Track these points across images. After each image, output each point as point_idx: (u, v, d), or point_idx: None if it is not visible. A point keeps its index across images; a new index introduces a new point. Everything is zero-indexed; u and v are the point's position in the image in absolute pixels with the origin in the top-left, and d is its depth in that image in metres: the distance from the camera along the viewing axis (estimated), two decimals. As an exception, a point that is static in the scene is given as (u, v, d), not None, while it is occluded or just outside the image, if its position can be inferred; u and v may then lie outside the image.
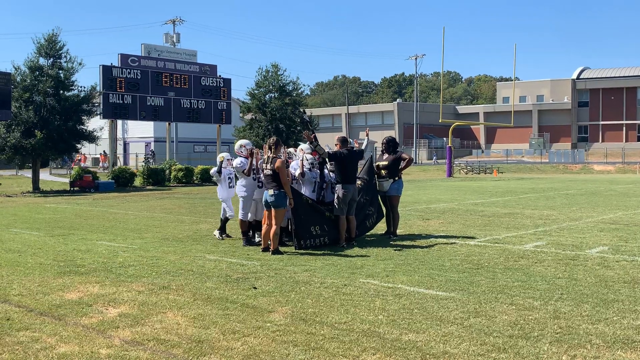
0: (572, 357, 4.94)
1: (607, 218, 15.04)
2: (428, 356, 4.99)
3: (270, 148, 10.10)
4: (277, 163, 9.86)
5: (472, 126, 79.76)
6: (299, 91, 48.90)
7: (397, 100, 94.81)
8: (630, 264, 9.02)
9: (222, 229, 11.90)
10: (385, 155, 11.94)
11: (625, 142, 71.24)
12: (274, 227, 9.92)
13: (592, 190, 26.93)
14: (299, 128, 46.18)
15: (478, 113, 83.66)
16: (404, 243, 11.02)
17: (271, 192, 9.90)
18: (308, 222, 10.42)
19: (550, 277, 8.09)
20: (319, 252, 10.08)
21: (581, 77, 77.20)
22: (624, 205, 18.99)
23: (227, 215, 11.86)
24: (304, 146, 11.29)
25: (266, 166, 10.05)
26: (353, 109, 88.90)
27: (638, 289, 7.37)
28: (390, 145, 11.96)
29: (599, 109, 75.23)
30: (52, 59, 30.06)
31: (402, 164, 11.85)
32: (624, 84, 73.47)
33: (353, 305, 6.61)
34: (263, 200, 10.24)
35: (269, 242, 10.06)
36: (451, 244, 10.98)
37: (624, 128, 73.80)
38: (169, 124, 38.69)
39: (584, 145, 73.09)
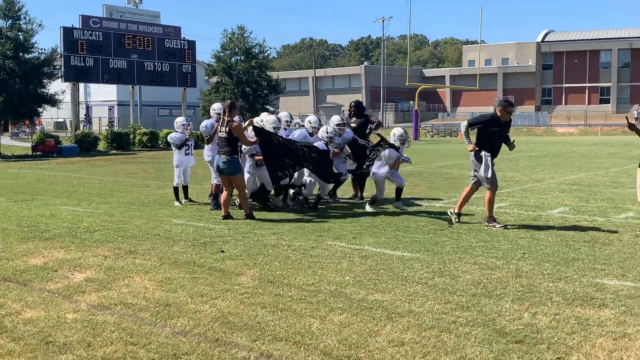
0: (533, 315, 5.09)
1: (568, 179, 15.35)
2: (394, 315, 5.09)
3: (224, 111, 9.78)
4: (235, 126, 9.58)
5: (438, 89, 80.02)
6: (265, 54, 48.39)
7: (364, 63, 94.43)
8: (590, 223, 9.25)
9: (177, 197, 11.71)
10: (354, 119, 11.93)
11: (588, 104, 72.35)
12: (225, 193, 9.78)
13: (555, 152, 27.39)
14: (265, 91, 45.83)
15: (444, 76, 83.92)
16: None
17: (224, 158, 9.61)
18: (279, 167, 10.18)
19: (512, 237, 8.26)
20: (287, 217, 10.11)
21: (546, 40, 77.76)
22: (585, 166, 19.39)
23: (174, 183, 11.72)
24: (311, 118, 11.28)
25: (221, 129, 9.76)
26: (320, 72, 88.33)
27: (597, 247, 7.58)
28: (358, 109, 11.95)
29: (562, 72, 76.04)
30: (10, 21, 29.18)
31: (372, 126, 11.88)
32: (588, 46, 74.26)
33: (320, 267, 6.67)
34: (215, 165, 9.98)
35: (230, 210, 9.95)
36: (417, 206, 11.11)
37: (587, 91, 74.85)
38: (133, 87, 38.00)
39: (548, 108, 74.01)
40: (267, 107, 45.18)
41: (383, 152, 10.48)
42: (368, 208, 10.54)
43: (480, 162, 8.88)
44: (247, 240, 8.18)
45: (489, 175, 8.87)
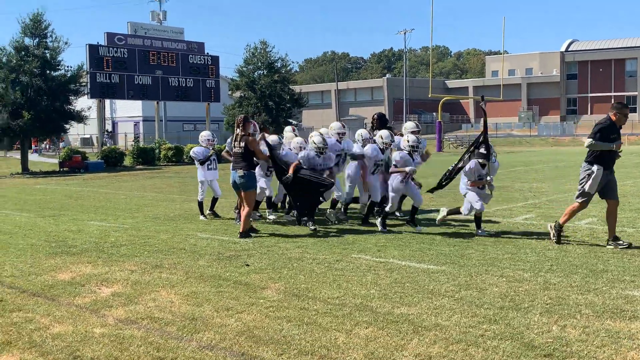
0: (562, 328, 5.01)
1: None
2: (420, 329, 5.04)
3: (238, 125, 9.64)
4: (251, 140, 9.50)
5: (461, 100, 79.67)
6: (288, 68, 48.66)
7: (387, 75, 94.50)
8: (619, 234, 9.10)
9: (201, 211, 11.75)
10: (376, 132, 11.90)
11: (614, 114, 71.42)
12: (246, 209, 9.52)
13: (581, 162, 27.05)
14: (288, 105, 46.02)
15: (467, 87, 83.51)
16: (396, 219, 11.05)
17: (240, 172, 9.50)
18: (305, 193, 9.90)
19: (539, 249, 8.16)
20: (310, 231, 10.11)
21: (570, 49, 77.10)
22: (613, 176, 19.09)
23: (198, 198, 11.79)
24: (383, 133, 10.67)
25: (235, 144, 9.64)
26: (342, 85, 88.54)
27: (626, 259, 7.45)
28: (381, 122, 11.93)
29: (587, 82, 75.25)
30: (37, 39, 29.73)
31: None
32: (613, 55, 73.45)
33: (345, 280, 6.65)
34: (231, 181, 9.82)
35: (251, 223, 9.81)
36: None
37: (612, 100, 73.84)
38: (158, 102, 38.43)
39: (573, 118, 73.25)
40: (290, 120, 45.39)
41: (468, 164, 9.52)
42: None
43: (590, 176, 8.30)
44: (272, 253, 8.19)
45: (587, 189, 8.33)
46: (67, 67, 30.70)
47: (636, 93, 72.08)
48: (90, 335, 5.05)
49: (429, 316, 5.37)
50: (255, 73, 46.52)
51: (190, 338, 4.95)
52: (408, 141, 9.92)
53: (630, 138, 50.99)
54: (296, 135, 11.58)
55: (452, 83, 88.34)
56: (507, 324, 5.12)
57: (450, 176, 9.80)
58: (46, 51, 29.54)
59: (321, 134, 10.26)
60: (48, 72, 29.35)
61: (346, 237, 9.24)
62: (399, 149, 10.17)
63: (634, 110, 71.56)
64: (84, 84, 32.13)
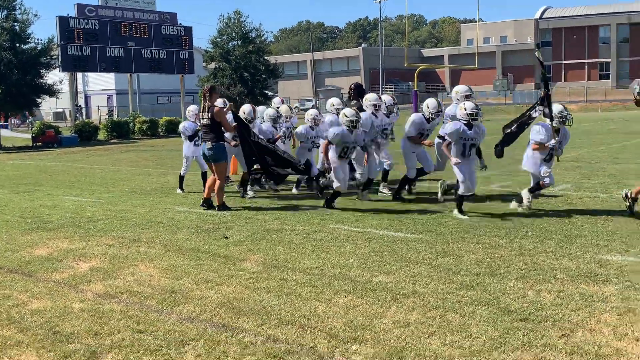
0: (537, 292, 5.11)
1: (570, 156, 15.32)
2: (398, 296, 5.11)
3: (204, 96, 9.40)
4: (217, 111, 9.25)
5: (437, 69, 79.70)
6: (263, 38, 48.12)
7: (362, 45, 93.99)
8: (592, 200, 9.26)
9: (180, 185, 11.54)
10: (354, 102, 11.88)
11: (588, 80, 72.04)
12: (217, 182, 9.37)
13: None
14: (263, 76, 45.63)
15: (443, 56, 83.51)
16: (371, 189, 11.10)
17: (209, 144, 9.29)
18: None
19: (515, 215, 8.27)
20: (289, 202, 10.11)
21: (544, 16, 77.28)
22: (587, 143, 19.36)
23: (181, 172, 11.57)
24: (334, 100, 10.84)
25: (202, 115, 9.40)
26: (318, 55, 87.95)
27: (600, 224, 7.59)
28: (358, 92, 11.89)
29: (561, 49, 75.64)
30: (5, 11, 29.01)
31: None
32: (586, 22, 73.80)
33: (324, 251, 6.69)
34: (201, 153, 9.62)
35: (213, 195, 9.54)
36: (417, 186, 11.08)
37: (586, 67, 74.50)
38: (130, 75, 37.88)
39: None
40: (266, 91, 45.08)
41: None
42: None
43: None
44: (251, 225, 8.20)
45: None
46: (38, 40, 30.07)
47: (609, 59, 72.65)
48: (70, 310, 5.04)
49: (407, 284, 5.44)
50: (230, 44, 45.91)
51: (170, 311, 4.96)
52: (465, 109, 8.31)
53: (603, 104, 51.56)
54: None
55: (427, 52, 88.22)
56: (483, 290, 5.20)
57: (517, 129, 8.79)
58: (15, 24, 28.85)
59: (352, 108, 9.60)
60: (18, 45, 28.71)
61: (324, 209, 9.26)
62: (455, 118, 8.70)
63: (606, 77, 72.27)
64: (55, 57, 31.52)
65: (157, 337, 4.42)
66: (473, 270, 5.77)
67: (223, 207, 9.41)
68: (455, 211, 8.39)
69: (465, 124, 8.24)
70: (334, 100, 11.12)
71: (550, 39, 76.49)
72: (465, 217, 8.20)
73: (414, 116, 9.87)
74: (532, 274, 5.63)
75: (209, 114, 9.25)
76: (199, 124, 11.13)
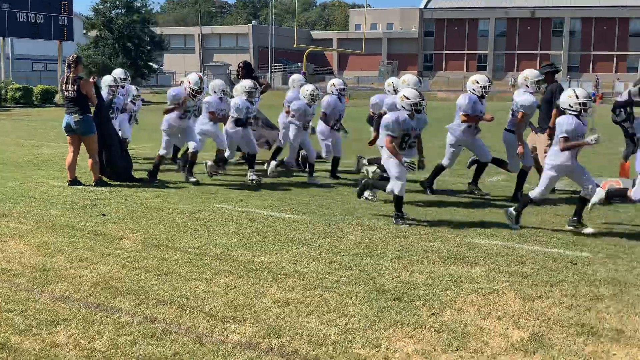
0: (410, 273, 5.35)
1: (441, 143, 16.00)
2: (279, 276, 5.18)
3: (69, 67, 8.89)
4: (83, 83, 8.81)
5: (325, 52, 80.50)
6: (148, 8, 46.51)
7: (252, 22, 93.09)
8: (465, 186, 9.75)
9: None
10: (242, 80, 11.76)
11: (466, 71, 75.44)
12: (90, 159, 8.99)
13: (434, 116, 28.47)
14: (148, 48, 44.20)
15: (331, 39, 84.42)
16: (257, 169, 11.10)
17: (76, 117, 8.78)
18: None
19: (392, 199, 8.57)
20: (172, 179, 9.91)
21: (429, 6, 79.95)
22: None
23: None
24: (336, 81, 10.21)
25: (67, 87, 8.87)
26: (206, 29, 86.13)
27: (471, 208, 8.03)
28: (247, 70, 11.78)
29: (443, 39, 78.67)
30: None
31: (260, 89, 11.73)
32: (468, 15, 77.13)
33: (207, 230, 6.64)
34: (64, 125, 9.02)
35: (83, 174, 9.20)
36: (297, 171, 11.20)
37: (465, 58, 77.96)
38: (3, 39, 35.37)
39: (429, 74, 76.53)
40: (151, 64, 43.70)
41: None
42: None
43: None
44: (130, 203, 7.97)
45: None
46: None
47: (487, 52, 76.44)
48: None
49: (288, 264, 5.52)
50: (113, 12, 44.05)
51: (42, 290, 4.75)
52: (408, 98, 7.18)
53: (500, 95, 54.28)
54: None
55: (317, 34, 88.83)
56: (360, 270, 5.38)
57: None
58: None
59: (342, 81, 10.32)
60: None
61: (208, 187, 9.17)
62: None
63: (484, 68, 76.04)
64: None
65: (27, 316, 4.23)
66: (352, 251, 5.95)
67: (100, 182, 9.09)
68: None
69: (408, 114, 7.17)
70: (295, 76, 11.02)
71: (433, 29, 79.28)
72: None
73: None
74: (406, 255, 5.88)
75: (75, 86, 8.78)
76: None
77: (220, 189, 9.07)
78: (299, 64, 68.51)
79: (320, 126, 10.07)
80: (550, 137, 7.78)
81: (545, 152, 8.29)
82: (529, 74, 8.44)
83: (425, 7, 79.80)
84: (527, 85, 8.35)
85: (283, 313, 4.39)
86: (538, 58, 72.77)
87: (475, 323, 4.30)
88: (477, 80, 8.56)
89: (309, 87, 9.82)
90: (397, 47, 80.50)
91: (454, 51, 78.10)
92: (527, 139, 8.91)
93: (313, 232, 6.64)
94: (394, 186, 7.08)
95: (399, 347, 3.90)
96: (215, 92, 9.63)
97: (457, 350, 3.88)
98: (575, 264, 5.68)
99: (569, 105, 6.71)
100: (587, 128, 6.82)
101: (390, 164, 7.13)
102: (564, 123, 6.61)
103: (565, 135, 6.56)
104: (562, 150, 6.60)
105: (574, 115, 6.64)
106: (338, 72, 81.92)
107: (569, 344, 3.98)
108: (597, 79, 53.66)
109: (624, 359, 3.80)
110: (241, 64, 11.85)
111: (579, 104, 6.63)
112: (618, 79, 57.41)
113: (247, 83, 9.54)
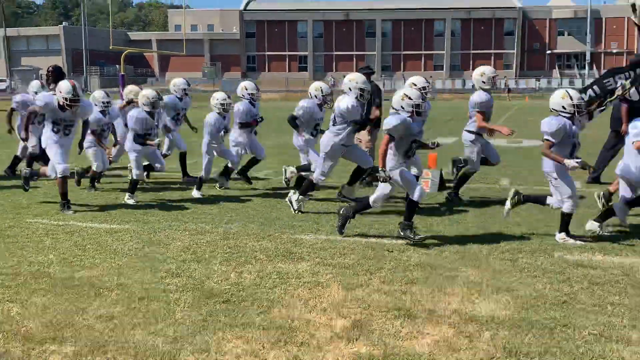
0: (239, 274, 5.40)
1: (272, 143, 16.31)
2: (102, 290, 4.98)
3: None
4: None
5: (145, 53, 78.14)
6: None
7: (64, 23, 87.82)
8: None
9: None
10: (52, 86, 11.06)
11: (289, 72, 77.13)
12: None
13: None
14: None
15: (151, 40, 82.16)
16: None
17: None
18: None
19: (222, 202, 8.58)
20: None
21: (248, 8, 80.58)
22: (287, 131, 20.70)
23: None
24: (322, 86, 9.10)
25: None
26: (12, 31, 79.87)
27: (302, 204, 8.22)
28: (57, 75, 11.09)
29: (264, 40, 79.73)
30: None
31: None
32: (286, 17, 78.83)
33: (19, 247, 6.20)
34: None
35: None
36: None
37: (287, 58, 79.63)
38: None
39: (253, 75, 77.22)
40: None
41: None
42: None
43: None
44: None
45: None
46: None
47: (307, 53, 78.68)
48: None
49: (111, 276, 5.32)
50: None
51: None
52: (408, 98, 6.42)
53: (301, 94, 55.75)
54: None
55: (134, 35, 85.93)
56: (189, 276, 5.33)
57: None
58: None
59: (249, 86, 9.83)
60: None
61: (19, 201, 8.54)
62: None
63: (305, 69, 78.24)
64: None
65: None
66: (179, 258, 5.87)
67: None
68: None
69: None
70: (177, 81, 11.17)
71: (254, 31, 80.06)
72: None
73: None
74: (235, 256, 5.92)
75: None
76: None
77: (32, 202, 8.49)
78: (117, 66, 65.77)
79: (235, 133, 9.60)
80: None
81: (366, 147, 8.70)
82: (486, 70, 8.37)
83: (245, 9, 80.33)
84: (483, 81, 8.24)
85: (107, 328, 4.23)
86: (354, 58, 76.44)
87: (302, 317, 4.44)
88: (414, 82, 7.60)
89: (219, 96, 9.17)
90: (220, 48, 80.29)
91: (276, 52, 79.47)
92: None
93: (138, 242, 6.45)
94: (415, 191, 6.36)
95: (228, 349, 3.93)
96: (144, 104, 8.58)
97: (285, 345, 3.99)
98: (392, 251, 6.07)
99: (562, 107, 6.34)
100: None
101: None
102: (553, 125, 6.23)
103: (550, 138, 6.25)
104: (542, 152, 6.39)
105: (567, 117, 6.31)
106: (159, 74, 79.93)
107: (388, 328, 4.25)
108: (404, 77, 57.41)
109: (437, 336, 4.13)
110: (50, 68, 11.11)
111: (573, 105, 6.30)
112: (431, 77, 61.91)
113: (149, 93, 8.66)
